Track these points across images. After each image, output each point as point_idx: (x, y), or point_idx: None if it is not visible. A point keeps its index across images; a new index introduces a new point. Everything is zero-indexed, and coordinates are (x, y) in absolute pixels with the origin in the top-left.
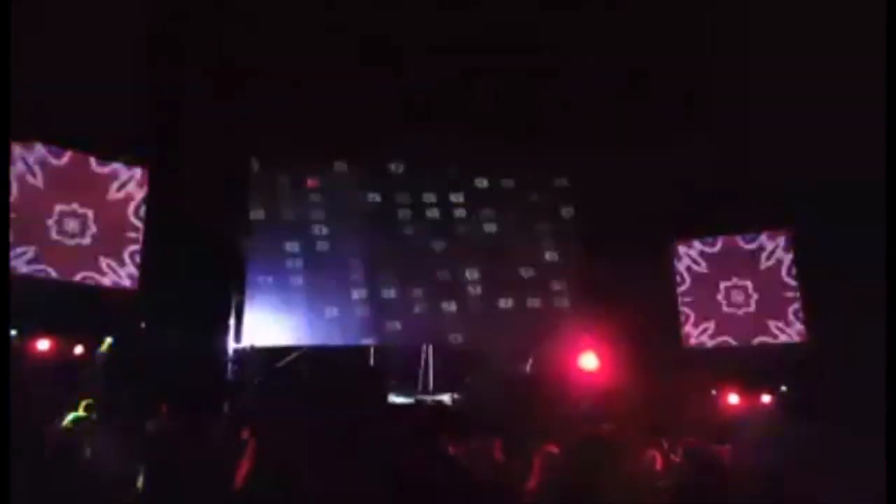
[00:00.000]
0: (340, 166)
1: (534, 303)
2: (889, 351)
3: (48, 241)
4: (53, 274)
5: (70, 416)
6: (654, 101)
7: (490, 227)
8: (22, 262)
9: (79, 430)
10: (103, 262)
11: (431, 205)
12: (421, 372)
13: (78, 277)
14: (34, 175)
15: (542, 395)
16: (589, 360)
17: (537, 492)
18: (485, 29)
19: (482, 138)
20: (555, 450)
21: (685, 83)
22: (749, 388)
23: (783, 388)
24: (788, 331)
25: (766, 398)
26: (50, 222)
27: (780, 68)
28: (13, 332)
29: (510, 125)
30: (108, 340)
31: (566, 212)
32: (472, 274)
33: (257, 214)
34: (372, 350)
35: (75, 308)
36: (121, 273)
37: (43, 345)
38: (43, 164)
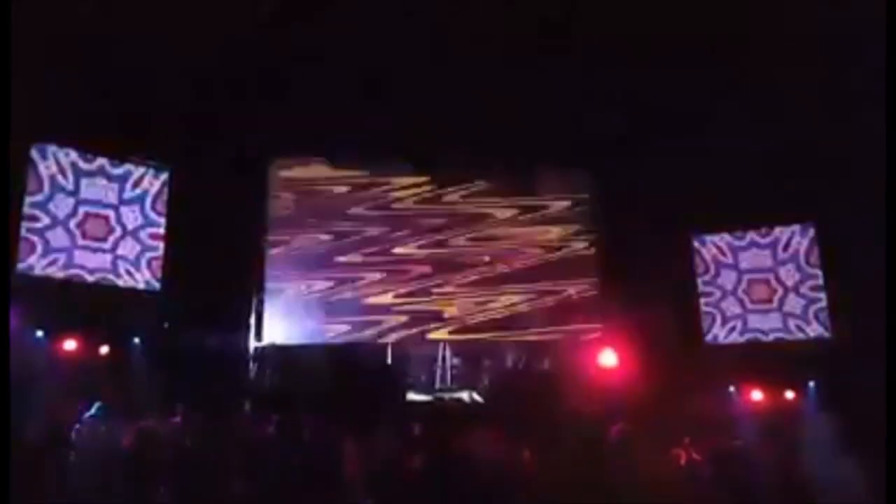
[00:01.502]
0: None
1: (550, 300)
2: (889, 351)
3: (76, 245)
4: (82, 277)
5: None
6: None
7: (508, 226)
8: (56, 267)
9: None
10: (123, 265)
11: (452, 205)
12: (439, 370)
13: (100, 280)
14: (66, 178)
15: (561, 391)
16: (608, 357)
17: (548, 487)
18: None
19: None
20: (569, 446)
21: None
22: (773, 384)
23: (811, 383)
24: (813, 326)
25: (790, 394)
26: (74, 226)
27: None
28: (40, 333)
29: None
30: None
31: (585, 210)
32: (492, 272)
33: (278, 214)
34: (390, 348)
35: (101, 309)
36: (140, 275)
37: (69, 345)
38: (73, 167)
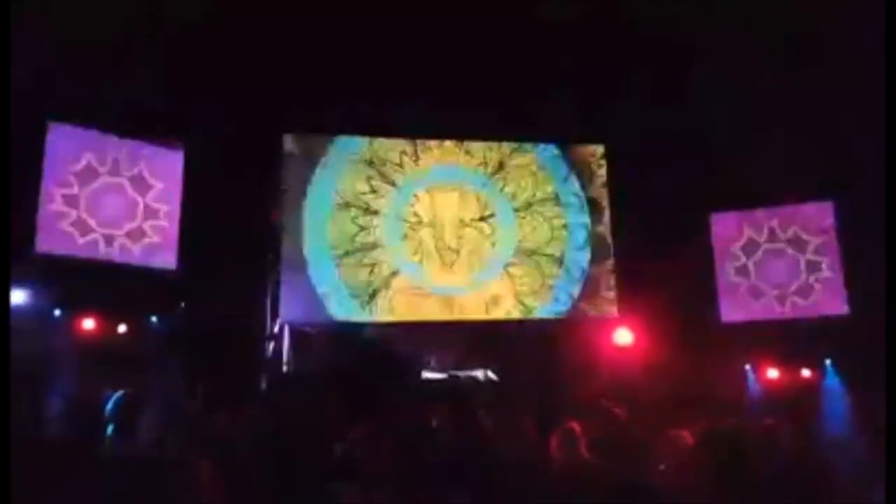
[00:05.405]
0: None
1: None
2: (889, 349)
3: (94, 224)
4: (100, 256)
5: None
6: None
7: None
8: (75, 246)
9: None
10: (140, 244)
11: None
12: (454, 348)
13: (118, 258)
14: (84, 157)
15: (575, 370)
16: (623, 336)
17: (557, 469)
18: None
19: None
20: (577, 427)
21: None
22: (789, 363)
23: (827, 361)
24: (831, 303)
25: (806, 372)
26: (93, 205)
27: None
28: (57, 312)
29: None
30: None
31: (600, 182)
32: (506, 249)
33: (292, 192)
34: (406, 327)
35: (117, 287)
36: (157, 254)
37: (88, 323)
38: (89, 147)
